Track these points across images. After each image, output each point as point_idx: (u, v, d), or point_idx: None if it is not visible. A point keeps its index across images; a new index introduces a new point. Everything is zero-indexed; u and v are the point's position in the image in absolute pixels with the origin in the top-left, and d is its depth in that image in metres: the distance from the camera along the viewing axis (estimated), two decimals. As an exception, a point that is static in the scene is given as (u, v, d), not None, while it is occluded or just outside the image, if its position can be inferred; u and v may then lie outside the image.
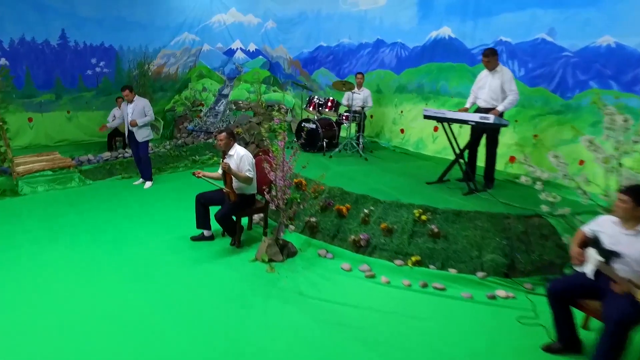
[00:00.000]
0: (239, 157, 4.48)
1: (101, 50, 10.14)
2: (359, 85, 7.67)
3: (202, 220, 4.72)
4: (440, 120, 5.38)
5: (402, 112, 8.10)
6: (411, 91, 7.90)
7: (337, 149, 7.21)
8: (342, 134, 8.04)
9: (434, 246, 4.34)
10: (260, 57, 11.32)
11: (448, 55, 7.18)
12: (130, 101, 6.39)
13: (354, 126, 7.84)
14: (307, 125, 7.30)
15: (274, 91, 10.98)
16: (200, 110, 10.81)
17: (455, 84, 7.11)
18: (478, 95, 5.55)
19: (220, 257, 4.45)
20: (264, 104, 10.59)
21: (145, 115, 6.45)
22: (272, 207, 4.36)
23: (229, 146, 4.50)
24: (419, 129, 7.78)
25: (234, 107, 10.74)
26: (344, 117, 7.30)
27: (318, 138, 7.12)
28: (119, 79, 10.47)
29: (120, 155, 8.23)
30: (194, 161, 8.50)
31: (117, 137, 8.99)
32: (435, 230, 4.38)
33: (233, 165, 4.38)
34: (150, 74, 10.64)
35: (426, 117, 5.52)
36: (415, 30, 7.68)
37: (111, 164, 7.65)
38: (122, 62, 10.47)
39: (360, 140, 7.19)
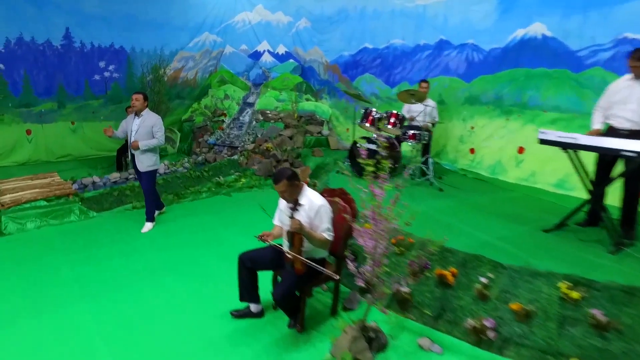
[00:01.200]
0: (314, 209, 3.03)
1: (110, 52, 8.84)
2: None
3: (249, 292, 3.30)
4: (569, 147, 3.91)
5: (472, 128, 6.65)
6: (486, 103, 6.45)
7: (401, 176, 5.78)
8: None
9: (603, 344, 2.86)
10: (291, 60, 9.95)
11: (540, 59, 5.73)
12: (139, 113, 4.96)
13: (414, 145, 6.44)
14: (364, 145, 5.88)
15: (307, 100, 9.59)
16: (223, 121, 9.45)
17: (552, 94, 5.65)
18: (616, 113, 4.07)
19: (279, 351, 3.01)
20: (296, 115, 9.22)
21: (153, 137, 5.02)
22: (360, 283, 2.91)
23: (296, 193, 3.06)
24: (495, 150, 6.32)
25: (261, 118, 9.38)
26: (409, 136, 5.87)
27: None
28: (131, 84, 9.17)
29: (131, 177, 6.87)
30: (218, 184, 7.11)
31: (127, 154, 7.65)
32: (601, 318, 2.91)
33: (304, 220, 2.94)
34: (165, 79, 9.32)
35: (544, 142, 4.06)
36: (494, 28, 6.24)
37: (120, 189, 6.28)
38: (134, 65, 9.16)
39: (430, 164, 5.75)
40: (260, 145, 8.51)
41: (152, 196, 5.24)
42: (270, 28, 10.06)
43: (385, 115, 5.89)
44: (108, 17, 8.64)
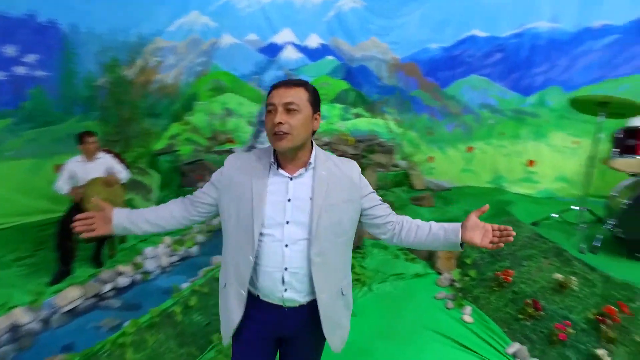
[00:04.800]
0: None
1: (29, 30, 4.71)
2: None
3: None
4: None
5: None
6: None
7: None
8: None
9: None
10: (330, 57, 6.66)
11: None
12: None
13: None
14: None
15: (357, 115, 6.41)
16: (231, 152, 5.81)
17: None
18: None
19: None
20: (352, 139, 6.03)
21: None
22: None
23: None
24: None
25: None
26: None
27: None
28: (69, 91, 5.10)
29: (110, 291, 3.05)
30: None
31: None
32: None
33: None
34: (131, 83, 5.43)
35: None
36: None
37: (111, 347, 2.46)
38: (75, 57, 5.10)
39: None
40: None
41: None
42: (293, 10, 6.67)
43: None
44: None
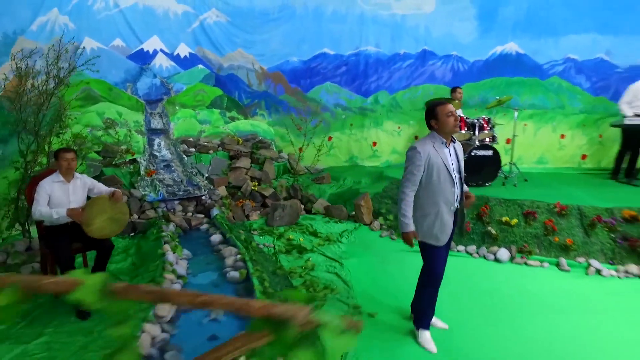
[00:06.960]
0: None
1: None
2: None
3: None
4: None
5: (464, 129, 7.49)
6: (473, 106, 7.46)
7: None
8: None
9: None
10: (200, 66, 6.93)
11: (517, 70, 7.33)
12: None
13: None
14: (480, 152, 5.58)
15: (233, 119, 7.14)
16: (136, 162, 5.61)
17: (527, 97, 7.39)
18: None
19: None
20: (241, 140, 6.91)
21: None
22: None
23: None
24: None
25: (193, 150, 6.38)
26: (490, 139, 6.05)
27: (496, 169, 5.63)
28: None
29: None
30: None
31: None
32: None
33: None
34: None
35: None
36: (476, 44, 7.28)
37: None
38: None
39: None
40: (228, 185, 5.90)
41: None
42: (155, 18, 6.51)
43: (480, 120, 5.75)
44: None
